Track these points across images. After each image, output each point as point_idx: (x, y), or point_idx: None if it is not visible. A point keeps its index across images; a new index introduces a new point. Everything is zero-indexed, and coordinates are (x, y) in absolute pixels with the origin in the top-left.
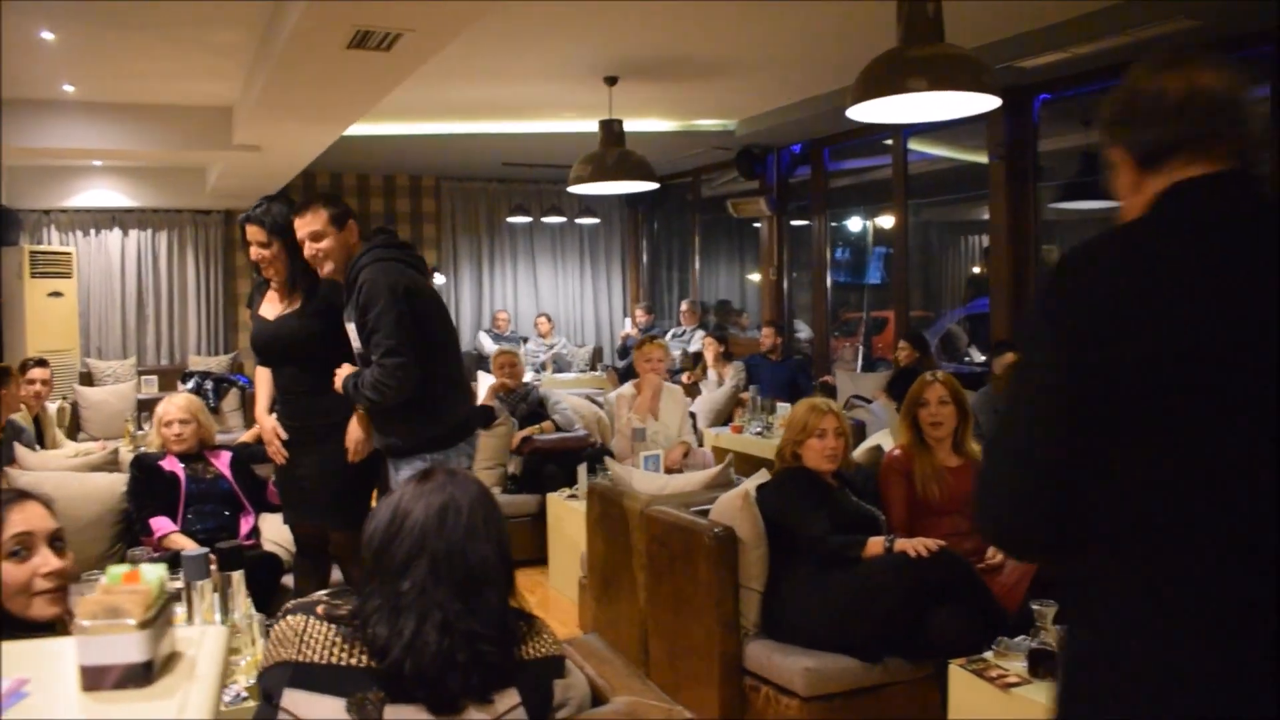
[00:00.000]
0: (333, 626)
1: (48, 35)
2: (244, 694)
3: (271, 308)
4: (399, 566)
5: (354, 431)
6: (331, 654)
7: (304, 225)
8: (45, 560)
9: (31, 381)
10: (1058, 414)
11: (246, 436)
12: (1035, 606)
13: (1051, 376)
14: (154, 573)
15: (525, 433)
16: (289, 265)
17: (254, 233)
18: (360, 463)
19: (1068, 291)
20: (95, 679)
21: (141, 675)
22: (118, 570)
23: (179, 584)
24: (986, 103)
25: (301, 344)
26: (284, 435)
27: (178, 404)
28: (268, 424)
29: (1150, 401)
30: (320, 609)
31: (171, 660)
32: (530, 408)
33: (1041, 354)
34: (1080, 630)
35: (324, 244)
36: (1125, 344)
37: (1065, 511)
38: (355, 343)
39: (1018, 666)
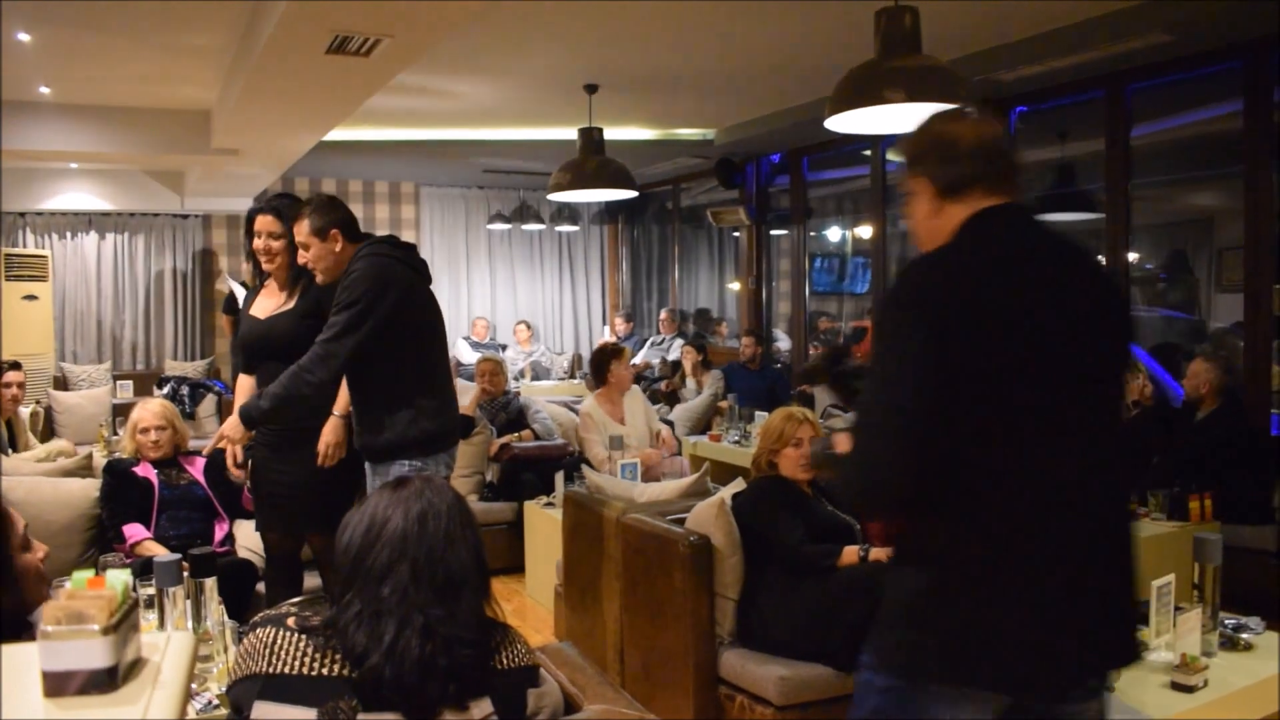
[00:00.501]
0: (304, 637)
1: (24, 36)
2: (215, 702)
3: (264, 307)
4: (380, 572)
5: (327, 434)
6: (303, 664)
7: (297, 232)
8: (38, 548)
9: (7, 385)
10: (924, 393)
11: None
12: None
13: (919, 362)
14: (118, 578)
15: (503, 440)
16: (286, 260)
17: (268, 223)
18: (343, 467)
19: (929, 295)
20: (58, 685)
21: (105, 681)
22: (82, 575)
23: (151, 590)
24: None
25: (293, 342)
26: (239, 459)
27: (153, 410)
28: (235, 433)
29: (987, 378)
30: (291, 620)
31: (136, 666)
32: (510, 416)
33: (912, 343)
34: (925, 570)
35: (310, 253)
36: (976, 333)
37: (921, 469)
38: None
39: None
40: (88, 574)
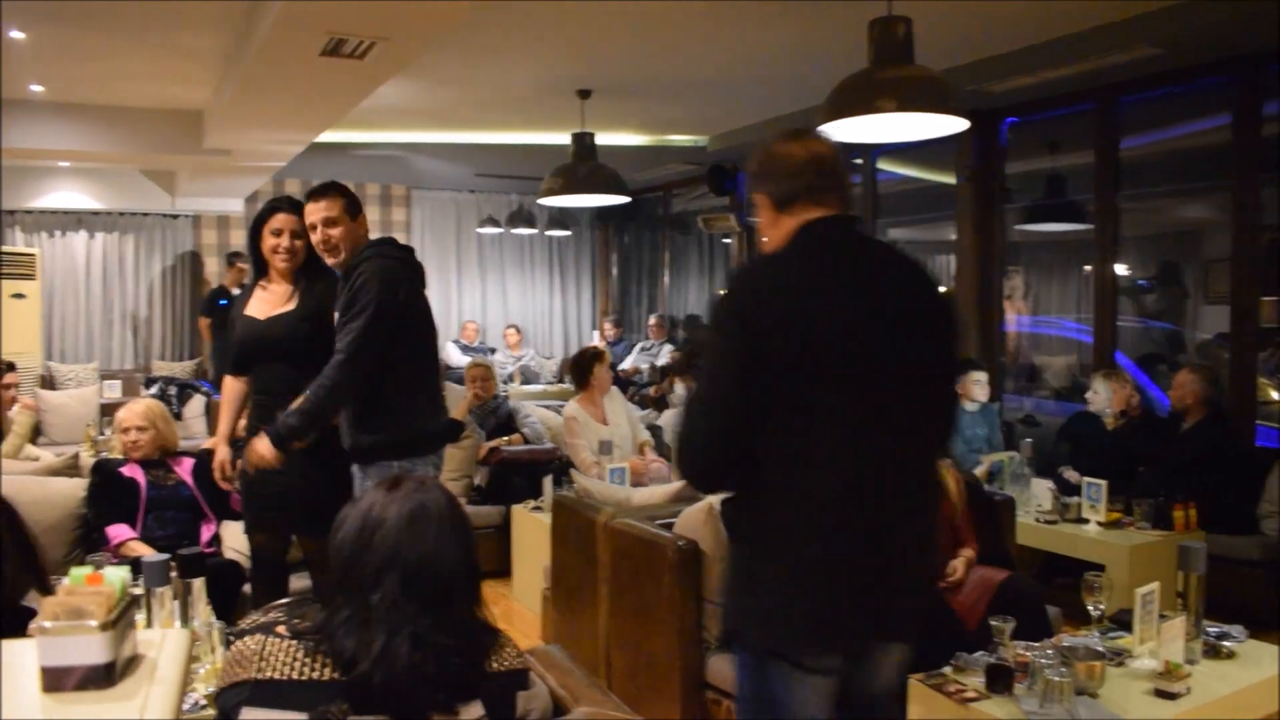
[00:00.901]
0: (294, 641)
1: (17, 34)
2: (203, 702)
3: (262, 308)
4: (369, 579)
5: (260, 445)
6: (293, 669)
7: (319, 210)
8: None
9: (7, 386)
10: (740, 388)
11: (209, 443)
12: (994, 623)
13: (735, 360)
14: (117, 575)
15: (493, 444)
16: (305, 259)
17: (292, 221)
18: (335, 469)
19: (748, 298)
20: (57, 680)
21: (103, 677)
22: (80, 572)
23: (139, 590)
24: (954, 124)
25: (295, 344)
26: (230, 473)
27: (136, 411)
28: (224, 453)
29: (797, 374)
30: (280, 627)
31: (133, 662)
32: (499, 420)
33: (727, 343)
34: (744, 543)
35: (336, 230)
36: (786, 334)
37: (739, 453)
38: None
39: (975, 681)
40: (86, 570)
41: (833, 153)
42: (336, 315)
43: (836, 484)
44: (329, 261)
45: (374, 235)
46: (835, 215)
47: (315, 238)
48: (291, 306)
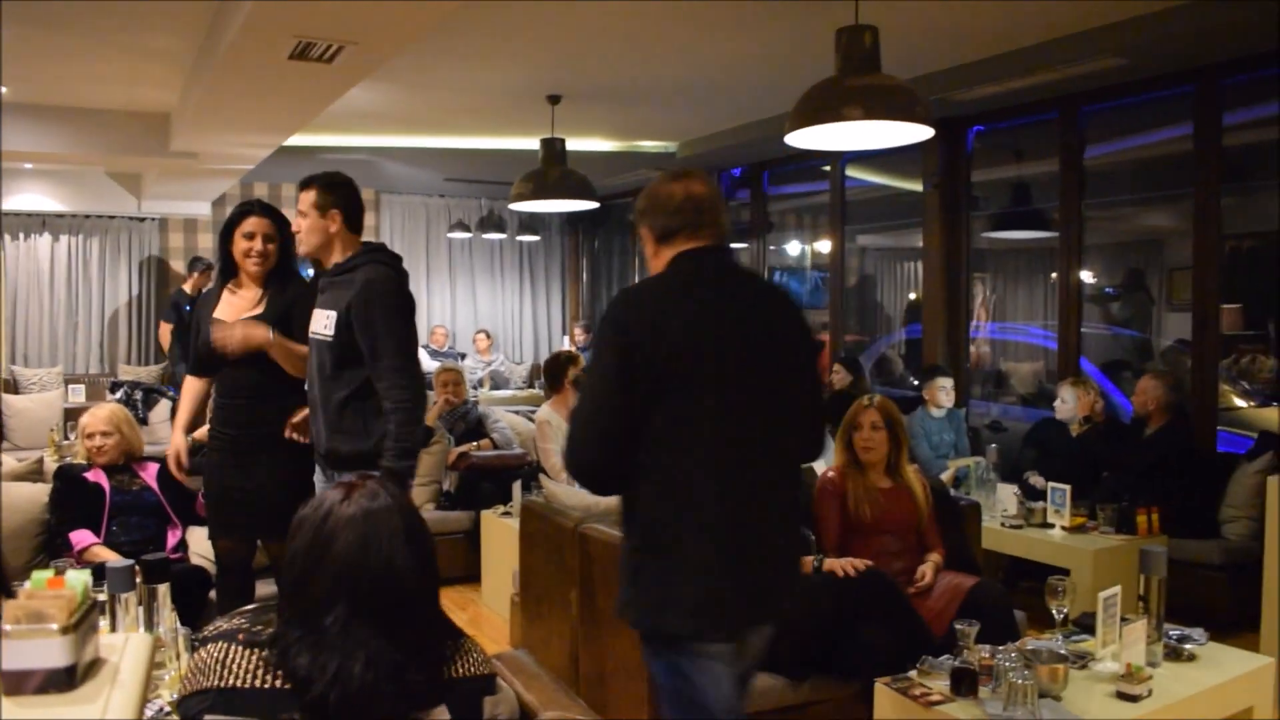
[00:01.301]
0: (256, 651)
1: None
2: (167, 709)
3: (229, 310)
4: (320, 601)
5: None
6: (255, 678)
7: (299, 201)
8: None
9: None
10: (620, 396)
11: None
12: (959, 626)
13: (615, 371)
14: (78, 579)
15: (462, 449)
16: (272, 263)
17: (264, 225)
18: (302, 473)
19: (625, 316)
20: (17, 683)
21: (64, 680)
22: (42, 575)
23: (103, 596)
24: (920, 133)
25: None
26: (185, 463)
27: (100, 416)
28: (180, 441)
29: (669, 383)
30: (241, 635)
31: (95, 666)
32: (469, 426)
33: (609, 356)
34: (632, 538)
35: (303, 223)
36: (657, 347)
37: (622, 456)
38: (323, 330)
39: (940, 685)
40: (47, 574)
41: (708, 191)
42: (326, 309)
43: (708, 482)
44: (251, 270)
45: None
46: (706, 246)
47: (293, 225)
48: (259, 310)
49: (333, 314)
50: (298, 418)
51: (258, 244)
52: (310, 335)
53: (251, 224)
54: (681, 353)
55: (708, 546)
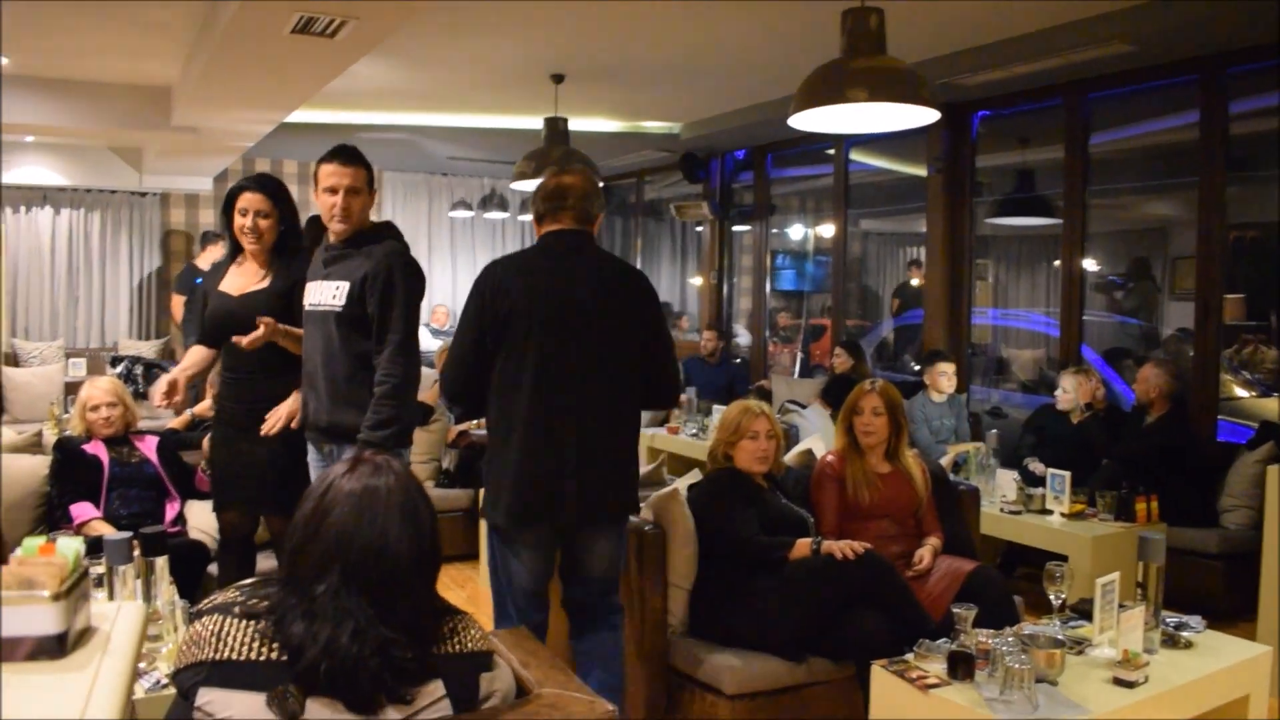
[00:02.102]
0: (251, 623)
1: None
2: (164, 680)
3: (236, 284)
4: (314, 571)
5: (293, 404)
6: (251, 650)
7: (345, 176)
8: None
9: None
10: (474, 339)
11: (175, 423)
12: (956, 610)
13: (471, 323)
14: (70, 546)
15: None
16: (276, 236)
17: (257, 200)
18: (305, 447)
19: (487, 278)
20: (8, 650)
21: (55, 648)
22: (33, 543)
23: (101, 569)
24: (925, 116)
25: (284, 320)
26: (177, 394)
27: (103, 387)
28: (175, 373)
29: (506, 333)
30: (237, 608)
31: (86, 634)
32: None
33: (469, 310)
34: (487, 448)
35: (358, 200)
36: (499, 305)
37: (476, 383)
38: (329, 301)
39: (937, 668)
40: (39, 541)
41: (577, 182)
42: (334, 286)
43: (529, 409)
44: (335, 227)
45: None
46: (565, 228)
47: (331, 201)
48: (264, 284)
49: (344, 284)
50: (291, 410)
51: (249, 220)
52: (310, 307)
53: (244, 200)
54: (516, 309)
55: (524, 464)
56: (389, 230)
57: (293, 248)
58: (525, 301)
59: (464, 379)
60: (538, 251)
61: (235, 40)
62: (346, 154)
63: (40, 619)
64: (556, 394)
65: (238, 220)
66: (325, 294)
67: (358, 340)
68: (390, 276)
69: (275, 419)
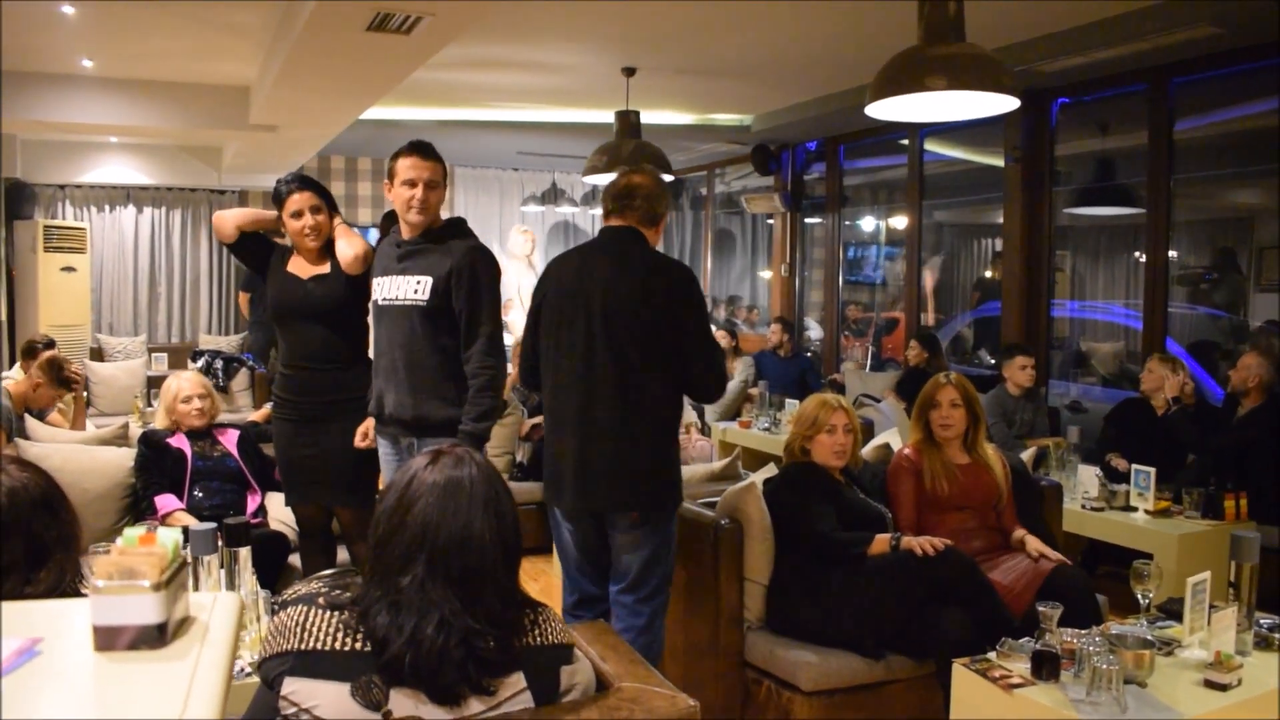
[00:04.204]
0: (335, 614)
1: (68, 9)
2: (247, 670)
3: (301, 267)
4: (399, 562)
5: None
6: (335, 640)
7: (425, 170)
8: None
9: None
10: (529, 325)
11: (256, 416)
12: (1041, 609)
13: (531, 309)
14: (169, 536)
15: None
16: (326, 231)
17: (308, 199)
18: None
19: (543, 272)
20: (109, 639)
21: (155, 637)
22: (133, 532)
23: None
24: (1005, 103)
25: (337, 304)
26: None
27: (192, 380)
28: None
29: (543, 320)
30: (321, 599)
31: (185, 624)
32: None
33: (531, 299)
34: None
35: (436, 194)
36: (542, 294)
37: (533, 369)
38: (412, 295)
39: (1021, 668)
40: (139, 531)
41: (647, 182)
42: (415, 280)
43: (548, 396)
44: (414, 219)
45: None
46: (623, 225)
47: (410, 194)
48: (327, 270)
49: (425, 279)
50: (368, 431)
51: (308, 220)
52: (386, 301)
53: (295, 202)
54: (546, 300)
55: (547, 448)
56: (462, 226)
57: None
58: (554, 293)
59: (527, 367)
60: (588, 246)
61: (312, 39)
62: (425, 149)
63: (141, 608)
64: (564, 383)
65: (293, 224)
66: (404, 289)
67: (441, 334)
68: (475, 272)
69: (367, 430)
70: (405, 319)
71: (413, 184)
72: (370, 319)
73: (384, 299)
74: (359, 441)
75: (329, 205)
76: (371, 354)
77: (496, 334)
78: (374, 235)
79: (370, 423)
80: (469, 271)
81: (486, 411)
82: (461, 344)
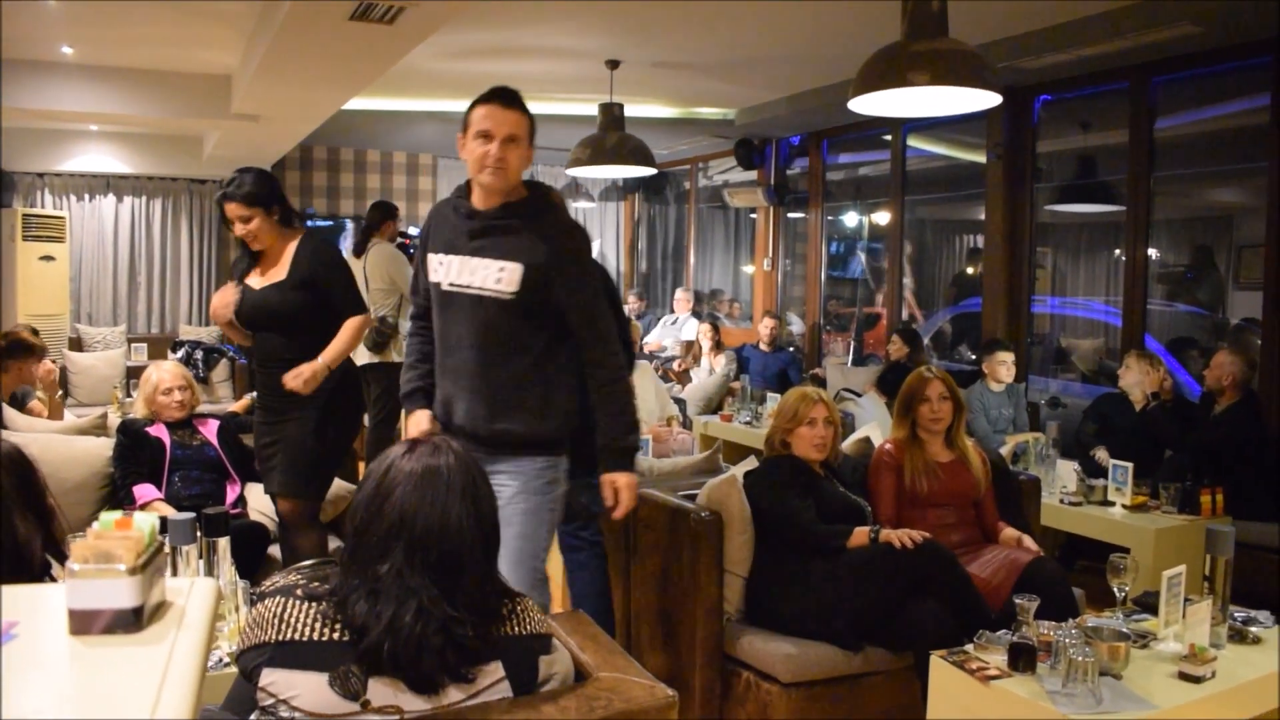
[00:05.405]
0: (313, 604)
1: None
2: (225, 659)
3: (257, 278)
4: (377, 550)
5: (305, 370)
6: (313, 631)
7: (506, 123)
8: None
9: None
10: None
11: (235, 407)
12: (1018, 601)
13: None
14: (146, 521)
15: None
16: (272, 233)
17: (233, 209)
18: (329, 438)
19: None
20: (84, 623)
21: (131, 621)
22: (110, 517)
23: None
24: (987, 99)
25: (283, 314)
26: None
27: (173, 371)
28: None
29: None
30: (299, 590)
31: (161, 608)
32: None
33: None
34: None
35: (516, 153)
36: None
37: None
38: (493, 286)
39: (998, 660)
40: (115, 515)
41: None
42: (497, 266)
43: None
44: (487, 181)
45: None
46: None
47: (485, 149)
48: (280, 278)
49: (513, 266)
50: (303, 374)
51: (239, 229)
52: (455, 287)
53: (228, 212)
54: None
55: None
56: (549, 196)
57: (289, 228)
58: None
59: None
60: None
61: (294, 27)
62: (506, 95)
63: (117, 592)
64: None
65: (235, 230)
66: (480, 274)
67: (528, 333)
68: (581, 259)
69: (309, 373)
70: (481, 312)
71: (488, 136)
72: (431, 302)
73: (451, 284)
74: (289, 380)
75: (266, 203)
76: (436, 343)
77: (615, 328)
78: (349, 231)
79: (310, 367)
80: (574, 259)
81: (634, 423)
82: (581, 345)
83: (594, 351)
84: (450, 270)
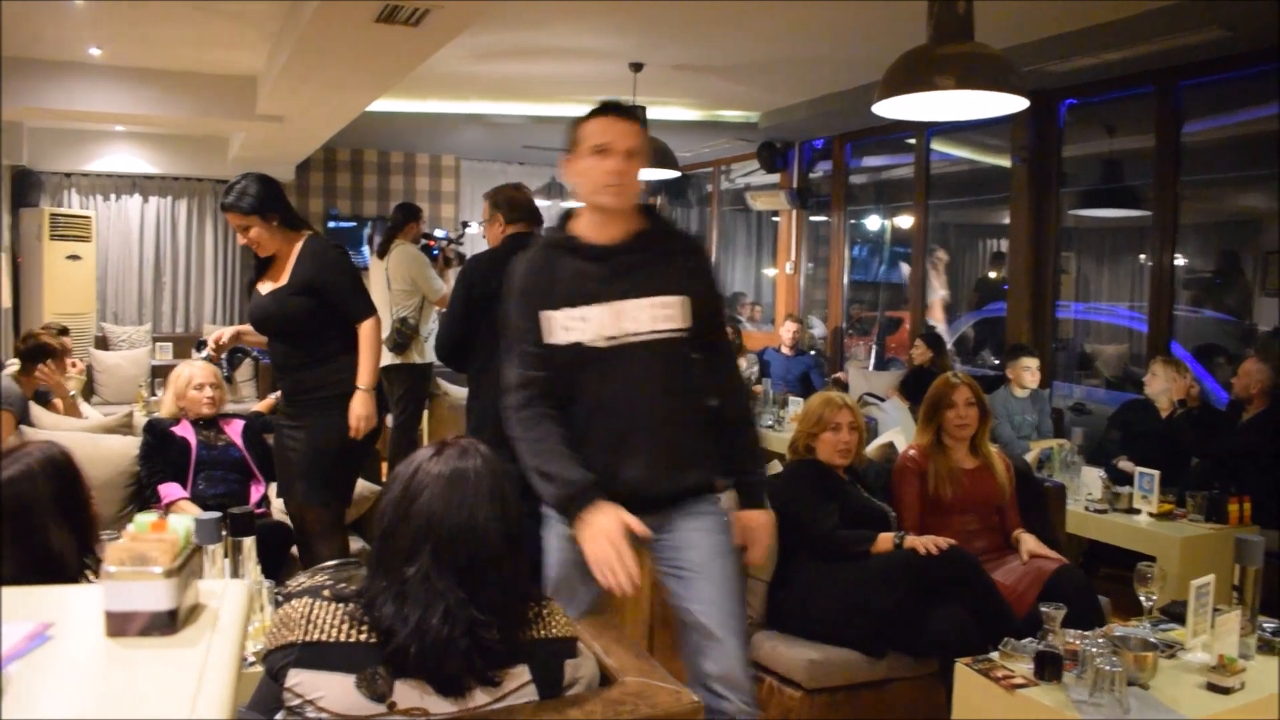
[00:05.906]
0: (340, 605)
1: None
2: (251, 659)
3: (266, 284)
4: (405, 552)
5: (356, 408)
6: (340, 632)
7: (623, 136)
8: None
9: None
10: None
11: (260, 406)
12: (1044, 609)
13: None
14: (181, 523)
15: None
16: (275, 239)
17: (232, 219)
18: (342, 445)
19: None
20: (120, 625)
21: (166, 623)
22: (145, 519)
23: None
24: (1013, 103)
25: (285, 320)
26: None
27: (203, 370)
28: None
29: None
30: (326, 591)
31: (195, 611)
32: None
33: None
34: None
35: (634, 165)
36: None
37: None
38: (665, 325)
39: (1023, 668)
40: (151, 517)
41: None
42: (663, 304)
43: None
44: (607, 201)
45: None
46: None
47: (603, 165)
48: (280, 284)
49: (675, 300)
50: (359, 416)
51: (240, 237)
52: (610, 342)
53: (229, 220)
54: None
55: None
56: (660, 212)
57: (292, 235)
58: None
59: (456, 344)
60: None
61: (320, 29)
62: (622, 107)
63: (153, 595)
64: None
65: (239, 238)
66: (638, 317)
67: (702, 368)
68: (714, 283)
69: (356, 423)
70: (652, 360)
71: (607, 151)
72: (558, 368)
73: (608, 338)
74: (355, 430)
75: (263, 211)
76: (578, 412)
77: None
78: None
79: (356, 406)
80: (712, 286)
81: (761, 454)
82: (722, 369)
83: (733, 377)
84: (599, 323)
